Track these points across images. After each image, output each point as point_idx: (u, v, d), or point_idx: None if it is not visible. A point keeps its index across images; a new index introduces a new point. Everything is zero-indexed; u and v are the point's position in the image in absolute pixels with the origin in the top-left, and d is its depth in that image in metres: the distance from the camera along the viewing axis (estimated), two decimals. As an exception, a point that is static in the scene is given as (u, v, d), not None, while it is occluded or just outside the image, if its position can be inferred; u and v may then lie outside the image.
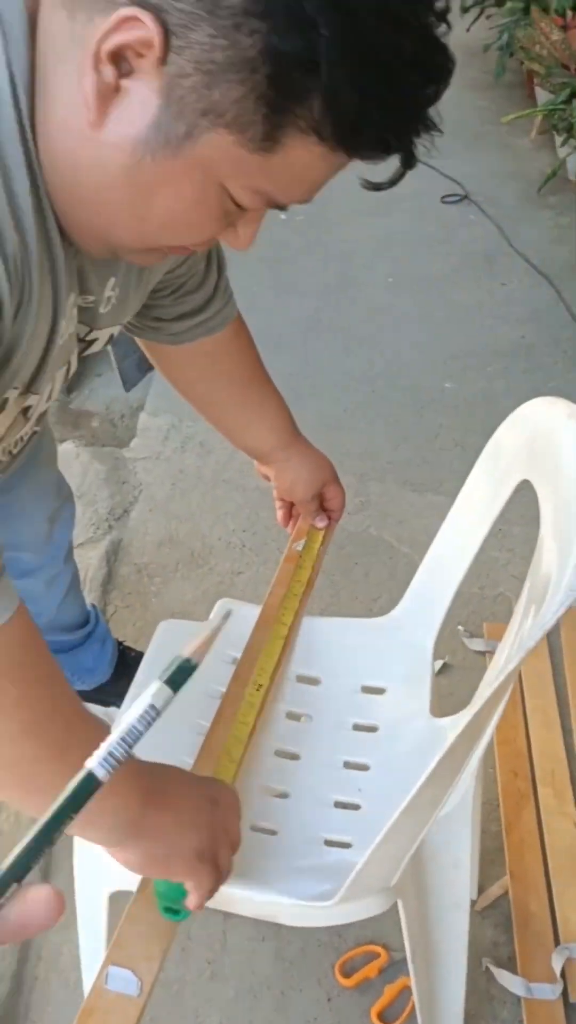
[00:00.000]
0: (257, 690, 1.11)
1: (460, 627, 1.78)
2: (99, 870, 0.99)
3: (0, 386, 0.68)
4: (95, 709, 1.61)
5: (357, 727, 1.14)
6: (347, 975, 1.29)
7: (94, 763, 0.39)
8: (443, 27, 0.59)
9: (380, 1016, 1.25)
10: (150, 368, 2.64)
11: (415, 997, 1.08)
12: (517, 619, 0.94)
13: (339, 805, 1.06)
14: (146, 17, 0.54)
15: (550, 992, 1.25)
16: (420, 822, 0.87)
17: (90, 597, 1.75)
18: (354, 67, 0.56)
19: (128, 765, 0.76)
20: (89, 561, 1.92)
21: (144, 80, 0.57)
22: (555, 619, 0.67)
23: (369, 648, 1.21)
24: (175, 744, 1.09)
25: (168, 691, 0.39)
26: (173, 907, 0.84)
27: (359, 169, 0.67)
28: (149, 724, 0.39)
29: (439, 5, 0.58)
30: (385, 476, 2.17)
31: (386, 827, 0.81)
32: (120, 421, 2.46)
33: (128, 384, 2.58)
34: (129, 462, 2.23)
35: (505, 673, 0.72)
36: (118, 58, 0.56)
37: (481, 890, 1.38)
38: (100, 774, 0.38)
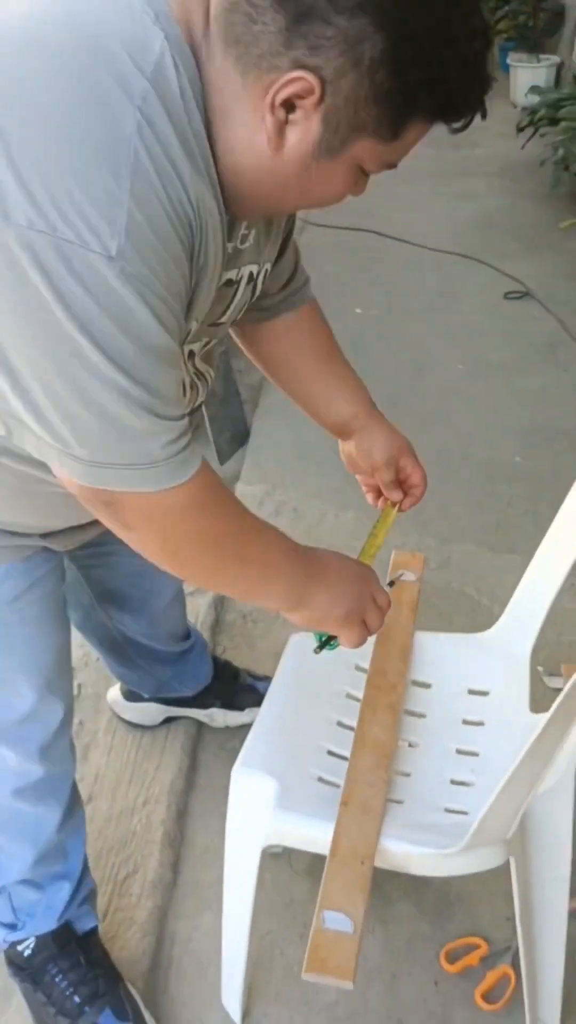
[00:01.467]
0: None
1: (540, 668, 1.94)
2: (255, 826, 1.17)
3: (193, 308, 0.88)
4: (196, 713, 1.82)
5: (466, 722, 1.32)
6: (451, 962, 1.43)
7: None
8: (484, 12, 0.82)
9: (484, 997, 1.39)
10: (243, 443, 2.91)
11: (522, 956, 1.22)
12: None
13: (455, 783, 1.23)
14: (307, 75, 0.76)
15: None
16: (534, 773, 1.04)
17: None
18: (456, 76, 0.80)
19: (297, 553, 1.07)
20: (199, 608, 2.13)
21: (308, 114, 0.79)
22: None
23: (473, 658, 1.40)
24: (313, 733, 1.28)
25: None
26: (326, 644, 1.18)
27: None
28: None
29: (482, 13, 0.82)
30: (464, 538, 2.37)
31: (509, 771, 0.98)
32: (217, 490, 2.69)
33: (223, 457, 2.83)
34: (229, 524, 2.45)
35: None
36: (287, 102, 0.78)
37: (573, 895, 1.52)
38: None
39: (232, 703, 1.80)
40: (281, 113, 0.79)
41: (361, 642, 1.15)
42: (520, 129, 4.62)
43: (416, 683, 1.38)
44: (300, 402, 1.35)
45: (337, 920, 1.00)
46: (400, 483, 1.38)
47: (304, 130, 0.80)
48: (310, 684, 1.36)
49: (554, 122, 4.31)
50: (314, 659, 1.38)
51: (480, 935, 1.47)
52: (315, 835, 1.12)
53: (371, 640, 1.39)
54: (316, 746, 1.27)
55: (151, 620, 1.57)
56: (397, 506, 1.38)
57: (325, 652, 1.20)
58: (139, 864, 1.57)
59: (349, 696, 1.35)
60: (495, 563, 2.27)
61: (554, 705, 0.94)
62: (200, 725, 1.85)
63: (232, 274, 0.99)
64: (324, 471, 2.57)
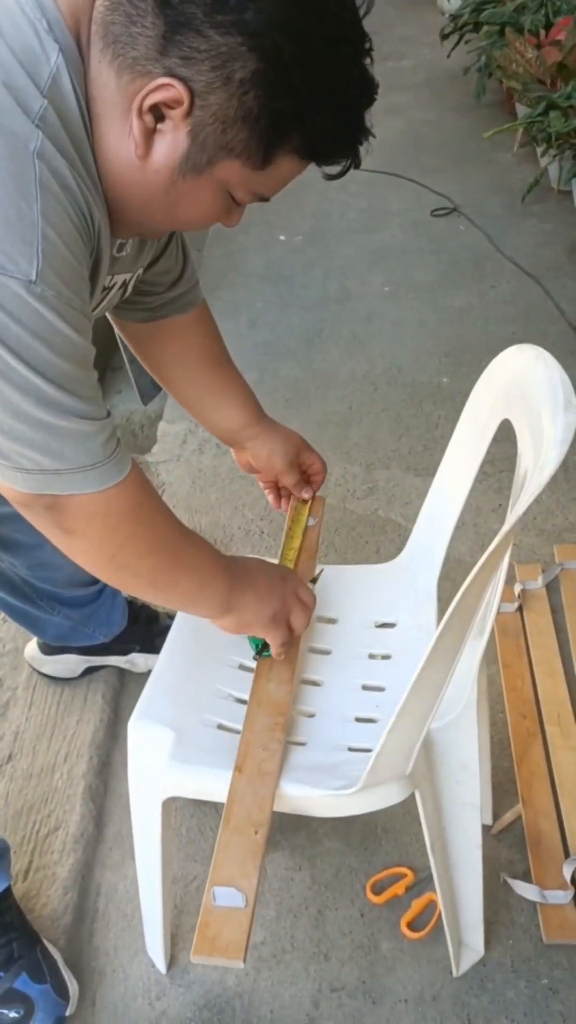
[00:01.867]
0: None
1: (466, 592, 1.91)
2: (153, 779, 1.14)
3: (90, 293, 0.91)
4: (116, 660, 1.77)
5: (372, 656, 1.28)
6: (377, 893, 1.42)
7: None
8: (370, 60, 0.83)
9: (409, 926, 1.38)
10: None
11: (437, 886, 1.21)
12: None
13: (359, 720, 1.20)
14: (177, 83, 0.76)
15: (562, 897, 1.37)
16: (424, 707, 1.01)
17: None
18: (325, 111, 0.81)
19: (222, 558, 1.06)
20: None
21: (176, 125, 0.80)
22: (547, 474, 0.83)
23: (380, 590, 1.36)
24: (213, 678, 1.24)
25: None
26: (263, 651, 1.20)
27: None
28: None
29: (368, 48, 0.83)
30: (390, 464, 2.32)
31: (396, 708, 0.95)
32: (141, 431, 2.62)
33: (146, 398, 2.75)
34: (152, 465, 2.39)
35: (498, 538, 0.86)
36: (155, 110, 0.79)
37: (496, 817, 1.51)
38: None
39: (152, 646, 1.76)
40: (149, 119, 0.79)
41: (287, 643, 1.17)
42: (444, 37, 4.47)
43: (322, 619, 1.34)
44: (189, 408, 1.35)
45: (228, 896, 0.96)
46: (302, 475, 1.41)
47: (172, 141, 0.81)
48: (211, 628, 1.31)
49: (477, 27, 4.16)
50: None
51: (406, 865, 1.46)
52: (211, 787, 1.09)
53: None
54: (217, 691, 1.23)
55: (41, 564, 1.51)
56: (308, 504, 1.42)
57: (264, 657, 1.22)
58: (61, 820, 1.54)
59: (252, 637, 1.31)
60: (421, 488, 2.23)
61: (434, 637, 0.91)
62: (122, 674, 1.81)
63: (107, 280, 0.99)
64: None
